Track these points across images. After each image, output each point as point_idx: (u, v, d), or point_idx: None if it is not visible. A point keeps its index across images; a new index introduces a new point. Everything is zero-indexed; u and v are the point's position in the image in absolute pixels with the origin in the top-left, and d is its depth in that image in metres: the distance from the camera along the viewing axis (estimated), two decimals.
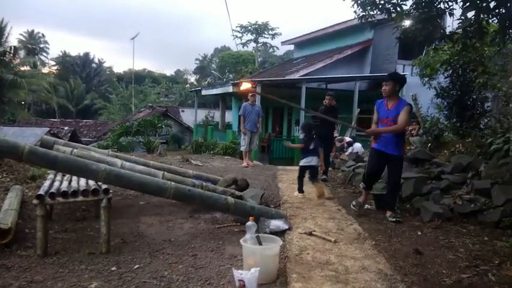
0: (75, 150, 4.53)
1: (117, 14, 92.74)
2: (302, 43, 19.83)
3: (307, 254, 3.38)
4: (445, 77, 8.38)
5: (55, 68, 56.01)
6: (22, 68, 42.60)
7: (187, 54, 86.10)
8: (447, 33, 5.08)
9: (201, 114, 20.42)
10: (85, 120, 32.59)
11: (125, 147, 16.45)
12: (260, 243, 2.94)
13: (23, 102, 41.30)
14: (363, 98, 14.48)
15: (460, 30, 4.95)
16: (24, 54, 49.13)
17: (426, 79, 9.02)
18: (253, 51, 43.70)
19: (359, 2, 5.16)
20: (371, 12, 5.27)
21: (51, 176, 4.06)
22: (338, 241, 3.72)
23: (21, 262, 3.10)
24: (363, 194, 4.96)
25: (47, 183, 3.60)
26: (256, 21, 40.41)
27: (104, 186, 3.49)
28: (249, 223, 3.00)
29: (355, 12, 5.35)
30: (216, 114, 20.10)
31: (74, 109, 45.63)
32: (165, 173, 4.96)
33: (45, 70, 54.43)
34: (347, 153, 10.37)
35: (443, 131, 7.51)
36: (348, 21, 15.39)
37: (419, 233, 4.07)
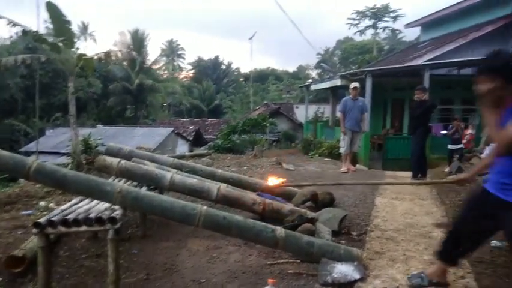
0: (122, 162, 4.08)
1: (247, 15, 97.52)
2: (430, 23, 16.92)
3: None
4: None
5: (192, 71, 61.37)
6: (162, 73, 47.92)
7: (310, 49, 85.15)
8: None
9: (313, 110, 19.32)
10: (209, 119, 34.45)
11: (239, 146, 16.52)
12: None
13: (165, 104, 46.30)
14: None
15: None
16: (164, 61, 55.28)
17: None
18: (373, 38, 40.68)
19: None
20: None
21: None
22: None
23: None
24: (436, 267, 2.77)
25: (66, 205, 3.15)
26: (375, 5, 37.47)
27: (117, 213, 2.87)
28: None
29: None
30: (326, 110, 18.77)
31: (206, 109, 49.05)
32: (222, 186, 4.20)
33: (183, 74, 60.22)
34: (482, 155, 8.13)
35: None
36: None
37: None
